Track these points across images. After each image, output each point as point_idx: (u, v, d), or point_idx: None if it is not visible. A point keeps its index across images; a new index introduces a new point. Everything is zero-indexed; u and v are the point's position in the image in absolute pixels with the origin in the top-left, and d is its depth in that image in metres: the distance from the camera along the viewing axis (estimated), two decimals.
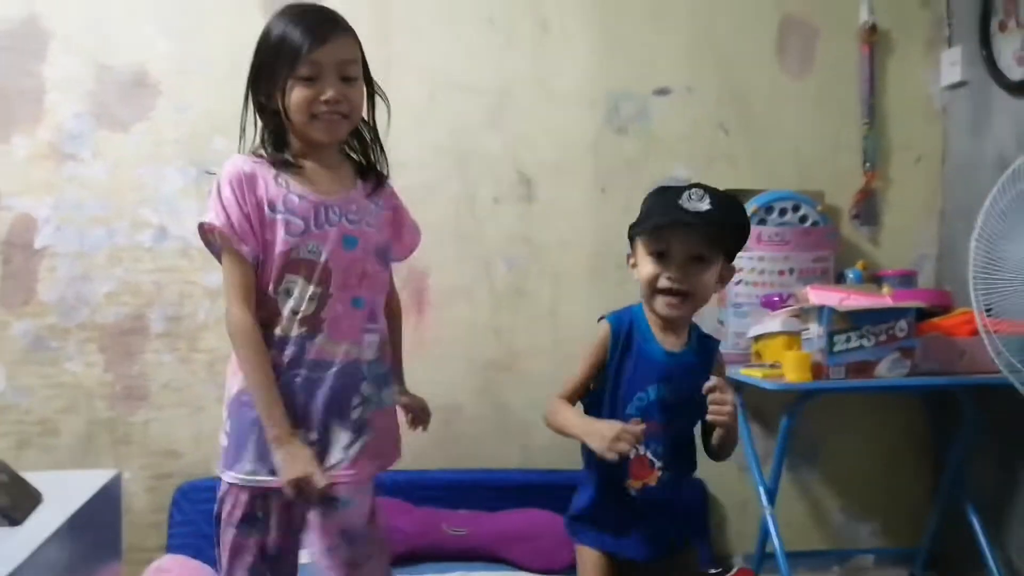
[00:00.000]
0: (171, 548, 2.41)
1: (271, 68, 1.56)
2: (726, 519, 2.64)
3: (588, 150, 2.58)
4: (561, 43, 2.56)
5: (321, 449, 1.55)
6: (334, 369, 1.56)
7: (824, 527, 2.69)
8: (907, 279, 2.52)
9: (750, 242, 2.39)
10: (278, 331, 1.54)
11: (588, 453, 1.67)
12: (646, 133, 2.59)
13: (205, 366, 2.47)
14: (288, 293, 1.54)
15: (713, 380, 1.60)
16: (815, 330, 2.24)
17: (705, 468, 2.54)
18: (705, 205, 1.62)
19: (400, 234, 1.72)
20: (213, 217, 1.52)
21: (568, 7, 2.56)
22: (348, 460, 1.56)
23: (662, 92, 2.59)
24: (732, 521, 2.64)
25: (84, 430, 2.44)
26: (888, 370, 2.22)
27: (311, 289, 1.54)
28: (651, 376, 1.66)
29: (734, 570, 2.56)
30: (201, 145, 2.44)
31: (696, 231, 1.61)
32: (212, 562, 2.33)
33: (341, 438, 1.57)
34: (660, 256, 1.64)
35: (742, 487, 2.58)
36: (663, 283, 1.63)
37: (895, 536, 2.70)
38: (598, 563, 1.71)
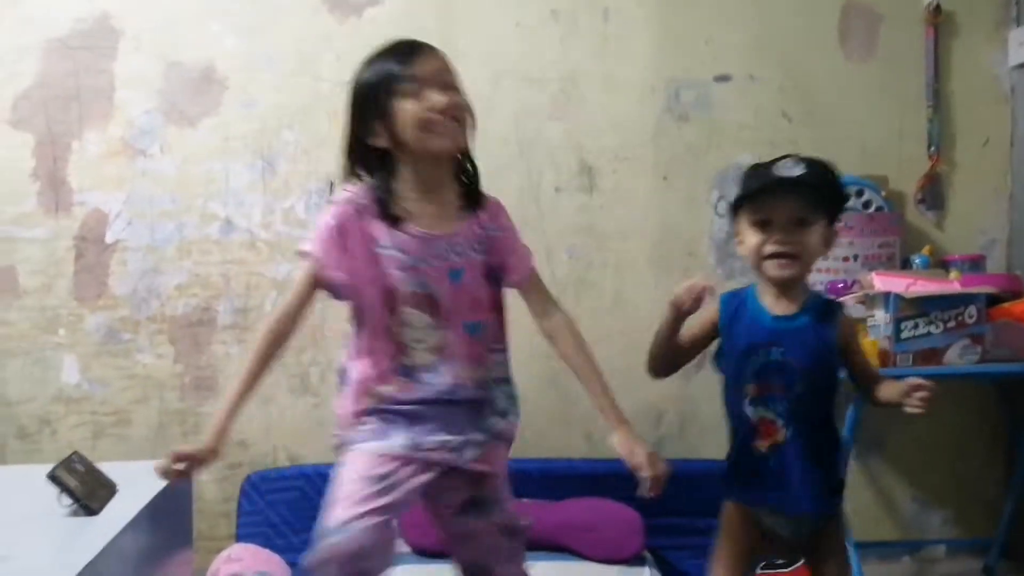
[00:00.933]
0: (240, 537, 2.45)
1: (372, 103, 1.55)
2: None
3: (650, 138, 2.57)
4: (622, 32, 2.56)
5: (458, 448, 1.59)
6: (462, 394, 1.59)
7: (894, 517, 2.65)
8: (975, 264, 2.48)
9: None
10: (406, 360, 1.58)
11: (730, 415, 1.77)
12: (708, 121, 2.58)
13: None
14: (407, 324, 1.57)
15: (918, 381, 1.65)
16: (881, 317, 2.21)
17: None
18: (799, 170, 1.66)
19: (511, 259, 1.68)
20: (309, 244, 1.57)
21: None
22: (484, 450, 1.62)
23: (723, 79, 2.58)
24: None
25: (156, 420, 2.49)
26: (958, 357, 2.19)
27: (426, 319, 1.57)
28: (761, 339, 1.71)
29: (799, 562, 2.54)
30: (268, 139, 2.49)
31: (794, 194, 1.66)
32: (280, 550, 2.37)
33: (476, 437, 1.61)
34: (763, 225, 1.68)
35: None
36: (769, 248, 1.69)
37: (968, 526, 2.65)
38: (734, 515, 1.77)
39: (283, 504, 2.44)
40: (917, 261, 2.48)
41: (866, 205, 2.49)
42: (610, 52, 2.56)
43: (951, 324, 2.19)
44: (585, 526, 2.41)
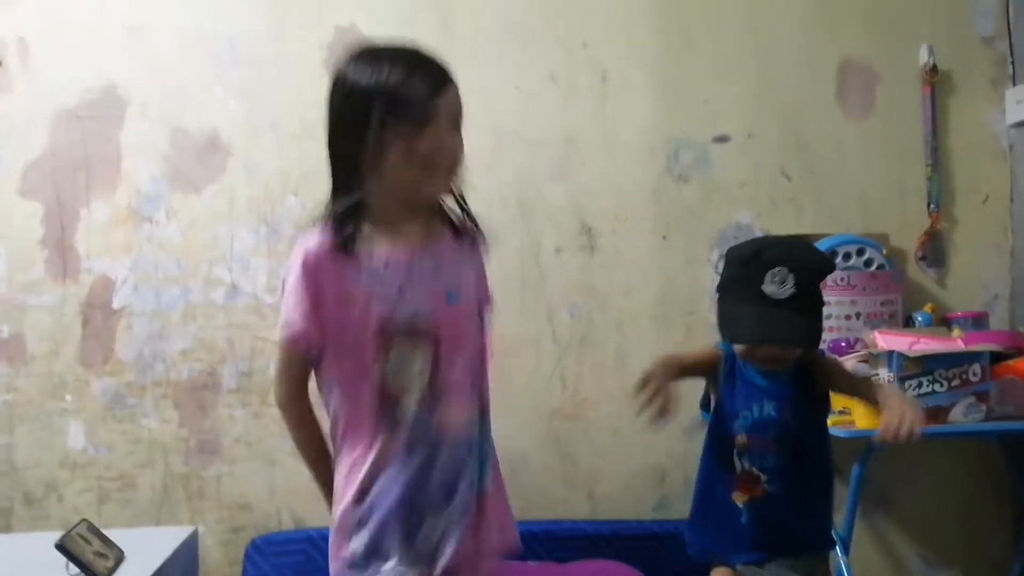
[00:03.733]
0: None
1: (373, 115, 1.39)
2: None
3: (649, 198, 2.59)
4: (620, 94, 2.59)
5: (435, 548, 1.45)
6: (446, 444, 1.47)
7: (902, 575, 2.63)
8: (978, 321, 2.47)
9: None
10: (399, 413, 1.46)
11: (710, 459, 1.82)
12: (707, 180, 2.60)
13: (276, 420, 2.45)
14: (400, 368, 1.44)
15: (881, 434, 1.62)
16: (885, 375, 2.21)
17: None
18: (789, 288, 1.69)
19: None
20: (281, 330, 1.49)
21: (627, 59, 2.59)
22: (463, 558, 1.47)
23: (722, 139, 2.60)
24: None
25: (160, 484, 2.49)
26: (963, 415, 2.18)
27: (423, 356, 1.45)
28: (754, 396, 1.76)
29: None
30: (273, 204, 2.52)
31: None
32: None
33: (453, 532, 1.46)
34: None
35: None
36: (761, 358, 1.76)
37: None
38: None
39: (288, 568, 2.44)
40: (919, 319, 2.48)
41: (868, 263, 2.49)
42: (609, 114, 2.59)
43: (955, 382, 2.18)
44: None
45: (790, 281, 1.69)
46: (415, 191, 1.47)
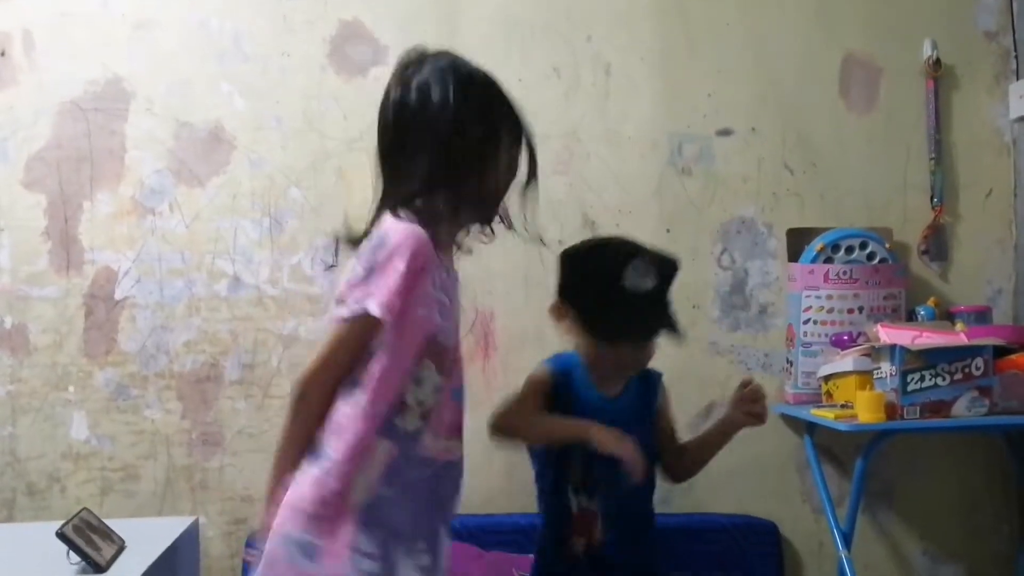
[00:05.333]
0: None
1: (495, 128, 1.52)
2: (802, 564, 2.58)
3: (652, 192, 2.59)
4: (624, 88, 2.59)
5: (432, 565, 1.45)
6: (437, 469, 1.47)
7: (906, 570, 2.61)
8: (981, 315, 2.47)
9: (818, 280, 2.41)
10: (399, 422, 1.44)
11: (546, 504, 1.68)
12: (710, 174, 2.60)
13: (279, 412, 2.49)
14: (419, 382, 1.44)
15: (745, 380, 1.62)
16: (887, 369, 2.20)
17: (779, 511, 2.55)
18: (651, 280, 1.64)
19: None
20: (378, 306, 1.37)
21: (630, 53, 2.60)
22: None
23: (725, 133, 2.60)
24: (808, 565, 2.58)
25: (163, 476, 2.50)
26: (966, 409, 2.17)
27: (437, 379, 1.45)
28: (597, 417, 1.65)
29: None
30: (276, 197, 2.52)
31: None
32: None
33: (444, 550, 1.48)
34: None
35: (817, 530, 2.54)
36: (625, 365, 1.68)
37: None
38: None
39: None
40: (922, 312, 2.47)
41: (870, 257, 2.48)
42: (612, 108, 2.59)
43: (958, 376, 2.18)
44: None
45: (651, 274, 1.64)
46: (484, 218, 1.55)
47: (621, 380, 1.66)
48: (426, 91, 1.50)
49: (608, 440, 1.53)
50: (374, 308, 1.37)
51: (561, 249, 2.55)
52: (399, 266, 1.37)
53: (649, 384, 1.73)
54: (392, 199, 1.48)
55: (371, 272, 1.39)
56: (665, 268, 1.67)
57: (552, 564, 1.69)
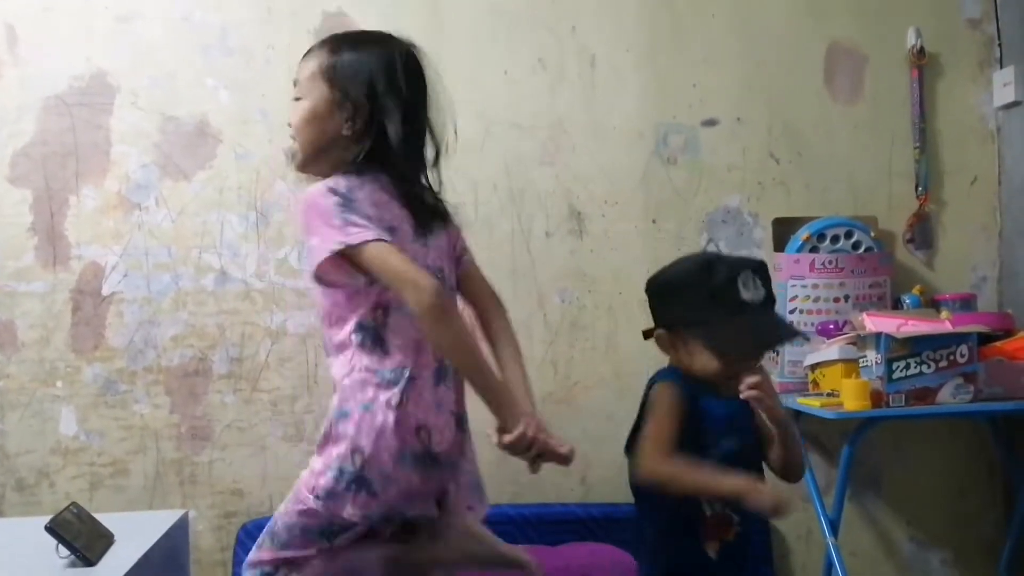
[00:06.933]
0: None
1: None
2: (790, 551, 2.60)
3: (638, 183, 2.60)
4: (609, 78, 2.60)
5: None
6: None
7: (893, 557, 2.63)
8: (966, 303, 2.48)
9: (803, 269, 2.42)
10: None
11: (661, 520, 1.67)
12: (696, 164, 2.61)
13: (268, 405, 2.52)
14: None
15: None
16: (873, 357, 2.21)
17: None
18: (762, 290, 1.66)
19: None
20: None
21: (615, 44, 2.60)
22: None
23: (710, 123, 2.61)
24: (797, 553, 2.60)
25: (152, 470, 2.50)
26: (951, 396, 2.19)
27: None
28: (719, 430, 1.66)
29: None
30: (262, 191, 2.52)
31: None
32: None
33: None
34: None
35: (804, 517, 2.54)
36: (735, 378, 1.65)
37: (967, 566, 2.64)
38: None
39: None
40: (908, 301, 2.49)
41: (856, 246, 2.49)
42: (598, 98, 2.59)
43: (943, 363, 2.19)
44: (582, 571, 2.40)
45: (759, 283, 1.66)
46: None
47: (734, 385, 1.66)
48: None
49: (765, 502, 1.53)
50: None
51: (561, 248, 2.56)
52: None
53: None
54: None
55: None
56: (764, 272, 1.69)
57: (681, 567, 1.67)
